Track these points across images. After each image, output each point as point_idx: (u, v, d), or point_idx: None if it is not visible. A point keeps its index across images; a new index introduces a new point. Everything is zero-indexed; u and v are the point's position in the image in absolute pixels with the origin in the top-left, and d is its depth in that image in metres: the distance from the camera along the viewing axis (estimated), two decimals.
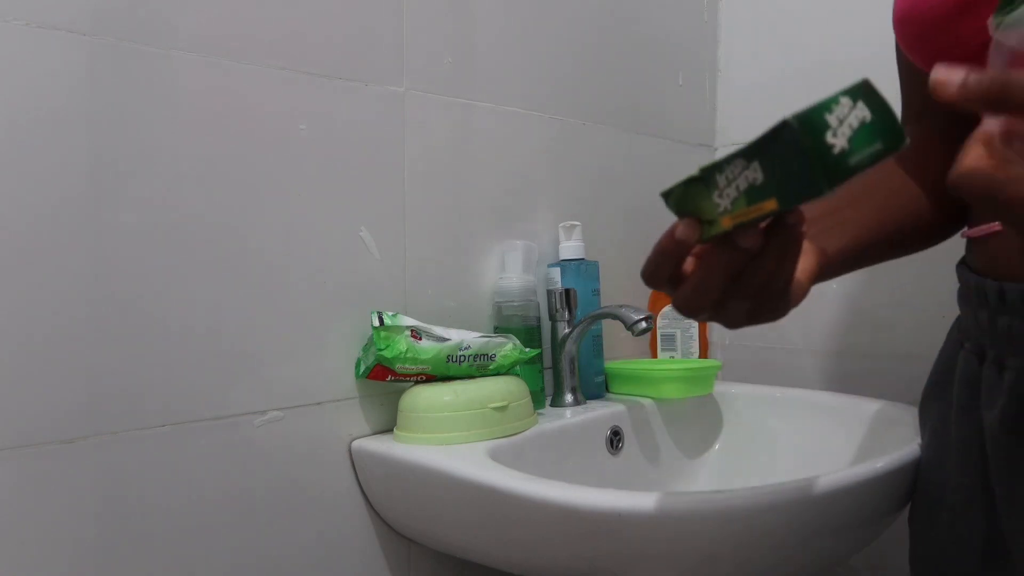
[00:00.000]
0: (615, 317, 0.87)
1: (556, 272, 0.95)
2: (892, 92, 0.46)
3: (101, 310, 0.63)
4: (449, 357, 0.78)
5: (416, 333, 0.77)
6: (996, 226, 0.53)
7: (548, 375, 0.95)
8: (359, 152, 0.80)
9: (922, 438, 0.67)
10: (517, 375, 0.83)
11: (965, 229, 0.59)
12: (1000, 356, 0.54)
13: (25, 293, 0.60)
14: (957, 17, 0.50)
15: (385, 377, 0.77)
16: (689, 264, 0.45)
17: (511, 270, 0.91)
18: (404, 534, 0.81)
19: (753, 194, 0.39)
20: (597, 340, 0.98)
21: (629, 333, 0.86)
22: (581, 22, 1.03)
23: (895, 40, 0.60)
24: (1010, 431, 0.53)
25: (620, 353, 1.07)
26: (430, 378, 0.79)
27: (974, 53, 0.50)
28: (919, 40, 0.54)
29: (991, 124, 0.34)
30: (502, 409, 0.77)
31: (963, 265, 0.60)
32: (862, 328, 1.08)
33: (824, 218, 0.56)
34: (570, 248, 0.95)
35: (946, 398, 0.61)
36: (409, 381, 0.79)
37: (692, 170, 0.42)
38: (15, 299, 0.59)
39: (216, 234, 0.70)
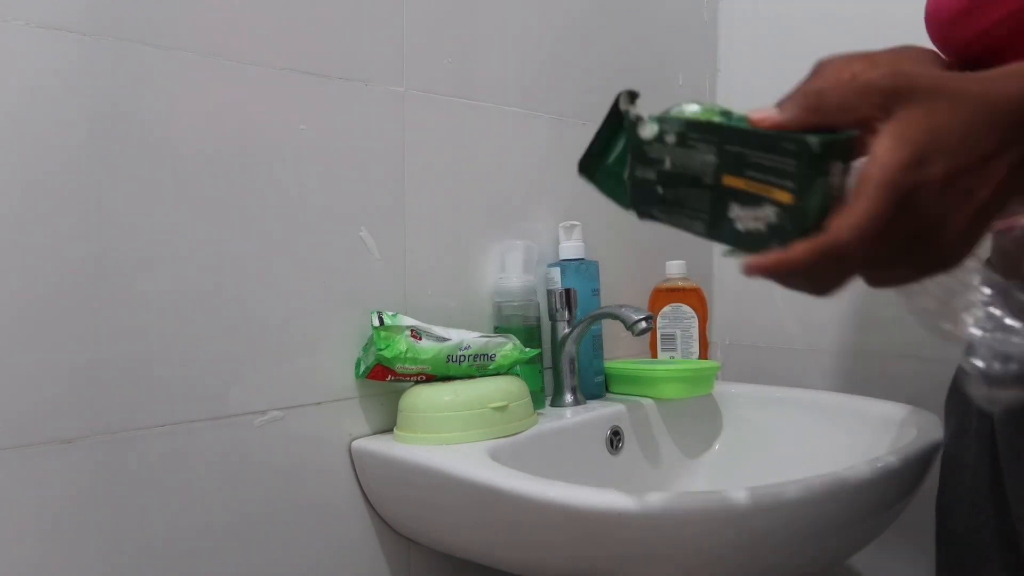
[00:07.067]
0: (615, 317, 0.87)
1: (556, 272, 0.95)
2: None
3: (101, 309, 0.63)
4: (449, 357, 0.78)
5: (416, 333, 0.77)
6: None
7: (548, 375, 0.95)
8: (359, 152, 0.80)
9: (946, 429, 0.68)
10: (517, 375, 0.83)
11: None
12: None
13: (25, 293, 0.60)
14: (966, 17, 0.50)
15: (385, 377, 0.77)
16: None
17: (511, 270, 0.91)
18: (404, 534, 0.81)
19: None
20: (597, 340, 0.98)
21: (629, 333, 0.86)
22: (581, 22, 1.03)
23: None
24: (1006, 422, 0.55)
25: (620, 353, 1.07)
26: (430, 378, 0.79)
27: (990, 48, 0.50)
28: (940, 39, 0.55)
29: None
30: (502, 409, 0.77)
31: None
32: (862, 328, 1.08)
33: None
34: (570, 248, 0.95)
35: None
36: (409, 381, 0.79)
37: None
38: (15, 299, 0.59)
39: (215, 234, 0.70)
